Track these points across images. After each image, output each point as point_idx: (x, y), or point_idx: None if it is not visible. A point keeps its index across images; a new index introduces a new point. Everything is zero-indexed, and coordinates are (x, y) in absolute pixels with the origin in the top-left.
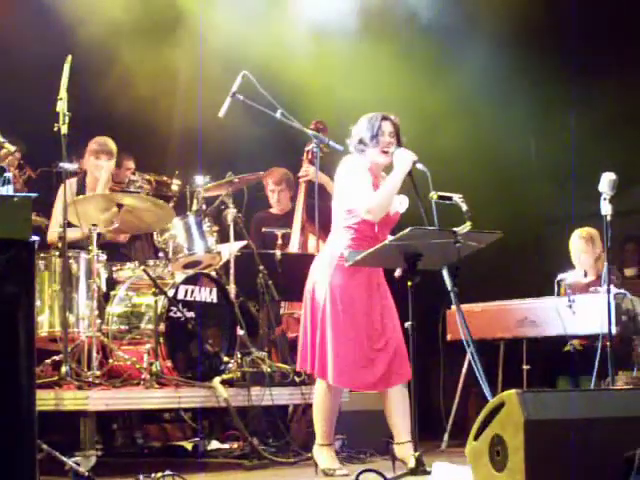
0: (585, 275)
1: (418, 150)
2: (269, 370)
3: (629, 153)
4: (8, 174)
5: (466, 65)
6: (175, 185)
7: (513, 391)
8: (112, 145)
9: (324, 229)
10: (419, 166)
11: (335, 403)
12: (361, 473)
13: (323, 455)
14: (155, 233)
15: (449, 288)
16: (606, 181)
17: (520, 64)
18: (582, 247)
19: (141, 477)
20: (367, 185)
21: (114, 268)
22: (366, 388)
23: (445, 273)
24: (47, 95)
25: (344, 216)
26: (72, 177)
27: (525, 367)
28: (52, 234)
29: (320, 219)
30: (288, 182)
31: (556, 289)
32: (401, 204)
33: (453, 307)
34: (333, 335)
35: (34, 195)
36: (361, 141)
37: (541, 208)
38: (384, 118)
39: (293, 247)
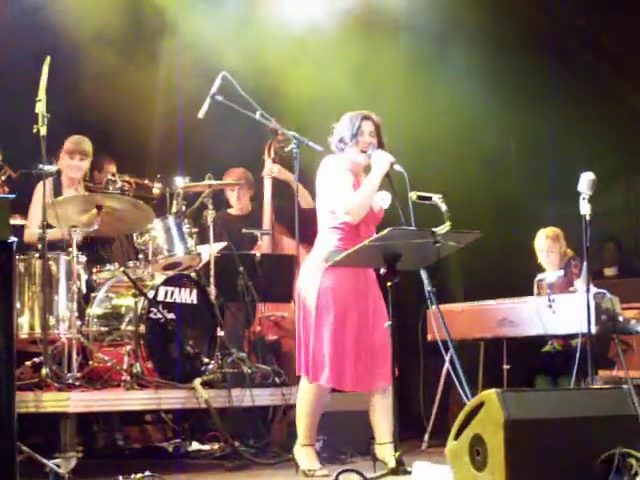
0: (565, 275)
1: (397, 150)
2: (249, 371)
3: (608, 153)
4: None
5: (447, 65)
6: (156, 188)
7: (493, 391)
8: (87, 145)
9: (292, 230)
10: (397, 167)
11: (319, 404)
12: (341, 473)
13: (304, 455)
14: (135, 235)
15: (427, 289)
16: (585, 181)
17: (500, 64)
18: (549, 246)
19: (120, 478)
20: (346, 186)
21: (94, 270)
22: (351, 388)
23: (423, 274)
24: (26, 96)
25: (328, 217)
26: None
27: (505, 367)
28: (30, 235)
29: (287, 219)
30: (247, 181)
31: (535, 289)
32: (383, 200)
33: (432, 307)
34: (320, 336)
35: (12, 196)
36: (341, 140)
37: (521, 208)
38: (365, 117)
39: (264, 249)
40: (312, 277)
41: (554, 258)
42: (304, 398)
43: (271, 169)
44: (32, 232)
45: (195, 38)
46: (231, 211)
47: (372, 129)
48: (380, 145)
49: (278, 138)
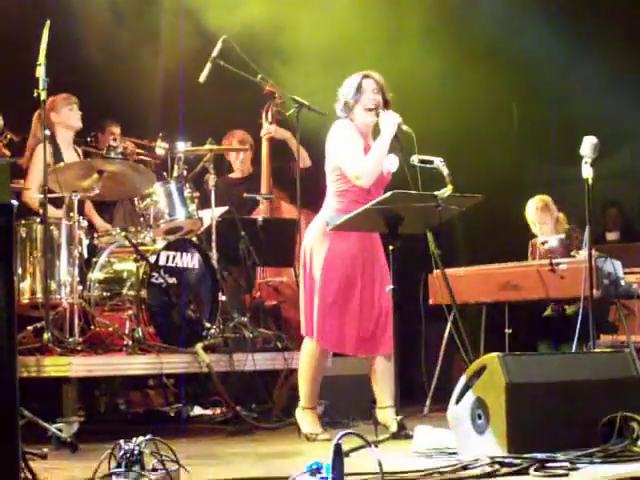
0: (567, 238)
1: (402, 111)
2: (251, 335)
3: (612, 117)
4: None
5: (449, 29)
6: (160, 149)
7: (494, 354)
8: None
9: (290, 194)
10: (404, 128)
11: (321, 366)
12: (343, 436)
13: (306, 419)
14: (136, 199)
15: (433, 250)
16: (587, 144)
17: (502, 26)
18: (540, 217)
19: (122, 442)
20: (357, 151)
21: (95, 234)
22: (353, 352)
23: (429, 236)
24: (26, 60)
25: (338, 181)
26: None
27: (507, 331)
28: (30, 197)
29: (285, 182)
30: (251, 143)
31: (530, 250)
32: (392, 164)
33: (435, 271)
34: (325, 299)
35: (12, 160)
36: (346, 103)
37: (523, 172)
38: (365, 76)
39: (262, 212)
40: (318, 240)
41: (547, 229)
42: (306, 361)
43: (268, 129)
44: (32, 195)
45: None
46: (233, 175)
47: (374, 86)
48: (385, 103)
49: (276, 101)
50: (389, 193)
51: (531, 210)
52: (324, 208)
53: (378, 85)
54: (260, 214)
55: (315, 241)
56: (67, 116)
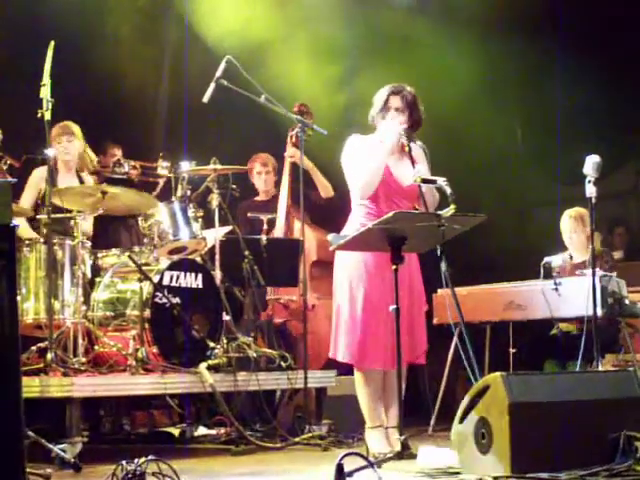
0: (571, 258)
1: None
2: (255, 355)
3: (617, 136)
4: None
5: (454, 48)
6: (163, 168)
7: (498, 374)
8: (73, 127)
9: (308, 214)
10: (405, 141)
11: (372, 383)
12: (345, 456)
13: (372, 438)
14: (140, 219)
15: (443, 269)
16: (590, 163)
17: (507, 48)
18: (572, 226)
19: (124, 463)
20: (359, 165)
21: (99, 254)
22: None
23: (440, 254)
24: (29, 80)
25: (353, 194)
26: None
27: (512, 350)
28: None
29: (305, 206)
30: (274, 165)
31: (542, 272)
32: (414, 176)
33: (439, 290)
34: (356, 320)
35: (13, 180)
36: (373, 115)
37: (527, 192)
38: (393, 93)
39: (278, 232)
40: (343, 257)
41: (576, 239)
42: (357, 384)
43: (294, 152)
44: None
45: (202, 17)
46: (258, 198)
47: (400, 105)
48: (413, 120)
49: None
50: (391, 213)
51: (565, 218)
52: (349, 222)
53: (405, 103)
54: (277, 233)
55: (341, 259)
56: (55, 148)
